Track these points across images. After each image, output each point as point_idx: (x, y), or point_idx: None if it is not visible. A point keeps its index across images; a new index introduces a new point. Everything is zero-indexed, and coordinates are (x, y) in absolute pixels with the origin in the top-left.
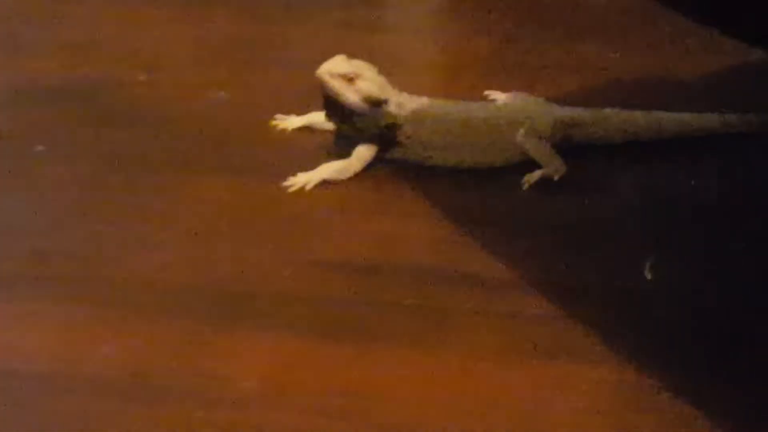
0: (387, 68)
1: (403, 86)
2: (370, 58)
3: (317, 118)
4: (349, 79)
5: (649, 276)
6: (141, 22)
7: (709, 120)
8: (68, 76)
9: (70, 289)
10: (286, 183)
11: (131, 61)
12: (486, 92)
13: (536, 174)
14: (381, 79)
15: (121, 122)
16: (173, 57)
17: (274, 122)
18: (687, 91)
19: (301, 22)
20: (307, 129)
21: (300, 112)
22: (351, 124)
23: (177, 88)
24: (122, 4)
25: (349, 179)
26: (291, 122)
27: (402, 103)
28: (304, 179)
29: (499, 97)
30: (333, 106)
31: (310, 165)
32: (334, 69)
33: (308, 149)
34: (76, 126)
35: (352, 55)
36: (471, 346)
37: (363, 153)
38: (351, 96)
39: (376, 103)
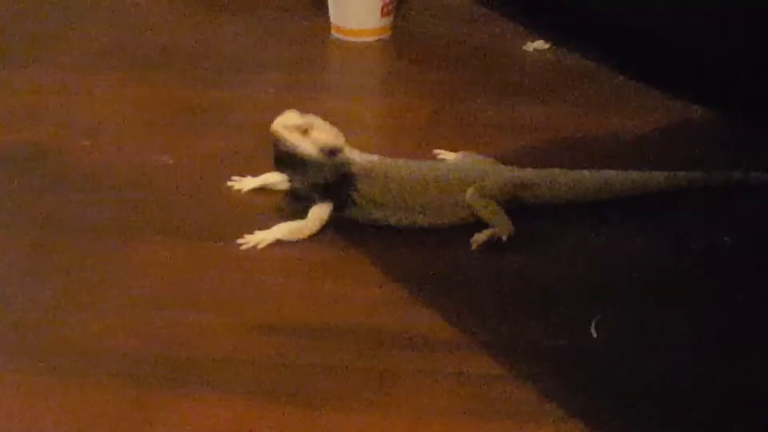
0: None
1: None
2: None
3: (272, 178)
4: (304, 131)
5: (594, 334)
6: (82, 88)
7: (656, 178)
8: (10, 143)
9: (12, 358)
10: (240, 241)
11: (74, 127)
12: (435, 151)
13: (484, 234)
14: (335, 129)
15: (65, 187)
16: (116, 122)
17: (229, 183)
18: (629, 149)
19: (242, 85)
20: (257, 191)
21: (246, 173)
22: (306, 176)
23: (121, 152)
24: (63, 71)
25: (299, 242)
26: (246, 183)
27: (354, 158)
28: (257, 238)
29: (448, 156)
30: (288, 159)
31: (260, 227)
32: (288, 122)
33: (257, 211)
34: (19, 192)
35: None
36: (419, 408)
37: (318, 213)
38: (308, 147)
39: (333, 152)
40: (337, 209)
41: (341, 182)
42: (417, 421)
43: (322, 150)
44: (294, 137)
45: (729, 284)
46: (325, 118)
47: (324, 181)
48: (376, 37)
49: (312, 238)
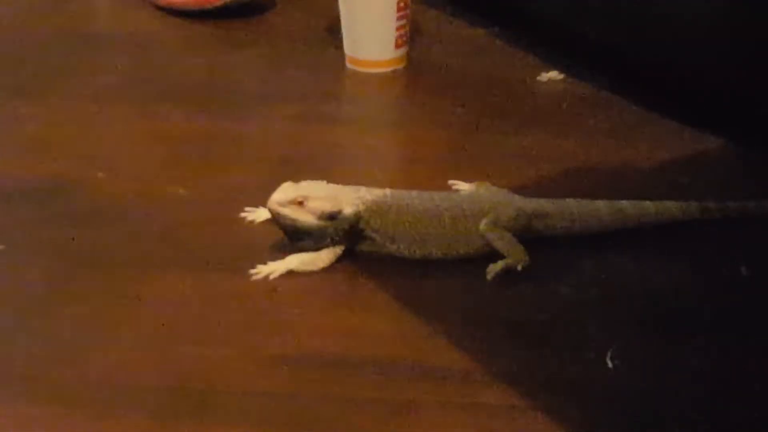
0: (345, 161)
1: (362, 178)
2: (327, 151)
3: None
4: (299, 203)
5: (610, 365)
6: (97, 120)
7: (671, 208)
8: (26, 176)
9: (26, 391)
10: (253, 271)
11: (89, 160)
12: (450, 182)
13: (499, 264)
14: (331, 190)
15: (80, 220)
16: (131, 154)
17: (243, 215)
18: (644, 179)
19: (257, 117)
20: (270, 222)
21: (259, 204)
22: (316, 240)
23: (136, 185)
24: (78, 104)
25: (311, 273)
26: (260, 214)
27: (361, 197)
28: (269, 269)
29: (462, 187)
30: (293, 231)
31: (273, 258)
32: (282, 198)
33: (270, 242)
34: (34, 224)
35: (310, 148)
36: None
37: (333, 249)
38: (306, 218)
39: (332, 216)
40: (351, 244)
41: (351, 231)
42: None
43: (321, 217)
44: (291, 211)
45: (746, 315)
46: (339, 148)
47: (332, 240)
48: (391, 69)
49: (328, 269)
